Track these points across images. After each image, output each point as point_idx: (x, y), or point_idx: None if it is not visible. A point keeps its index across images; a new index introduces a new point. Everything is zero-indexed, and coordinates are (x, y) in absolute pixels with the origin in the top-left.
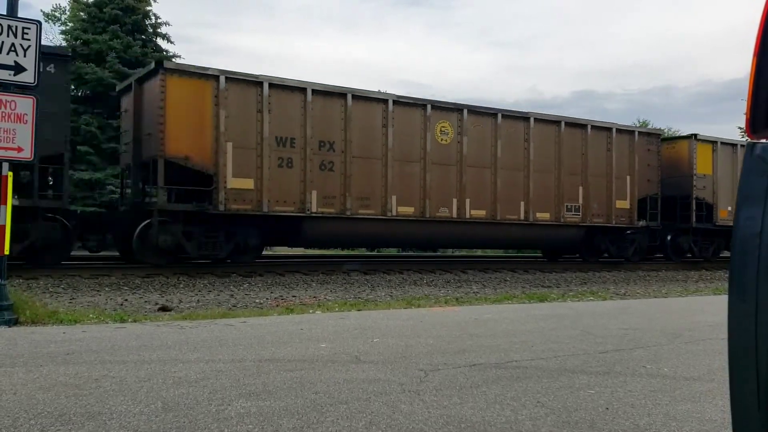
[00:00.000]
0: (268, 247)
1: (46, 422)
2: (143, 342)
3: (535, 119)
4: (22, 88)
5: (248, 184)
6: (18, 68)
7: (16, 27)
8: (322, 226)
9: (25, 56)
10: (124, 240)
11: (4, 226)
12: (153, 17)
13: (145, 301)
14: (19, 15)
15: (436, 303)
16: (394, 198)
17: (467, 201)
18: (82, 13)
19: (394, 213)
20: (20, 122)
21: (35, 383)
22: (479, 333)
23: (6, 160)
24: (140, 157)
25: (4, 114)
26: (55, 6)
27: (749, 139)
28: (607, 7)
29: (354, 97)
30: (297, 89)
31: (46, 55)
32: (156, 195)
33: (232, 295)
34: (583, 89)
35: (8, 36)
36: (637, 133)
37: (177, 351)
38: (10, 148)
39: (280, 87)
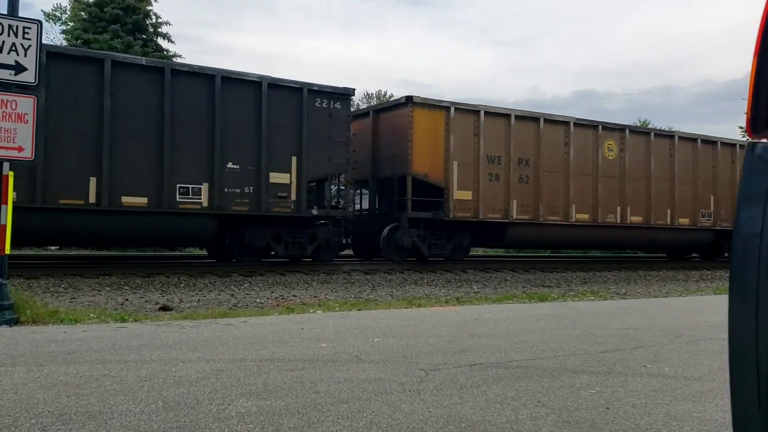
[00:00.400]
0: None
1: (46, 421)
2: (144, 341)
3: (679, 137)
4: (23, 88)
5: (468, 195)
6: (19, 68)
7: (17, 27)
8: (520, 230)
9: (26, 56)
10: (362, 241)
11: (4, 226)
12: (153, 17)
13: (146, 301)
14: (20, 14)
15: (437, 303)
16: (573, 206)
17: (628, 208)
18: (82, 13)
19: (573, 219)
20: (21, 122)
21: (36, 382)
22: (480, 333)
23: (7, 160)
24: (379, 174)
25: (5, 114)
26: (55, 6)
27: (749, 139)
28: (607, 6)
29: (545, 120)
30: (503, 115)
31: (333, 94)
32: (390, 205)
33: (232, 295)
34: (583, 89)
35: (9, 36)
36: None
37: (178, 350)
38: (11, 148)
39: (491, 114)
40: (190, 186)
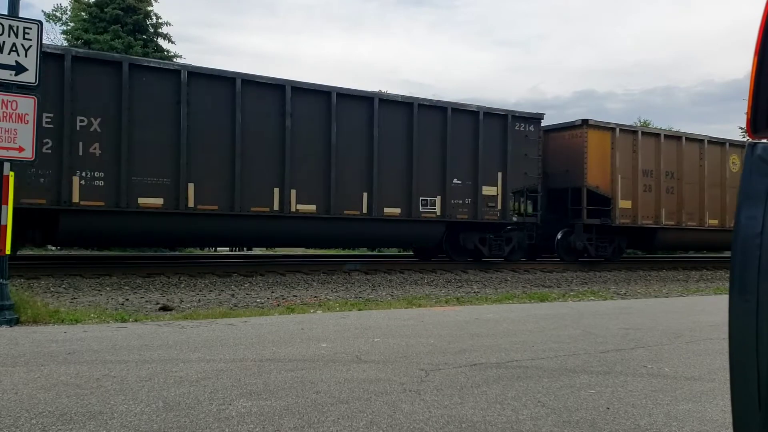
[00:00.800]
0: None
1: (47, 421)
2: (144, 341)
3: None
4: (23, 88)
5: (628, 204)
6: (19, 68)
7: (18, 27)
8: (668, 235)
9: (26, 56)
10: (533, 243)
11: (5, 226)
12: (154, 17)
13: (146, 301)
14: (21, 15)
15: (437, 303)
16: (707, 213)
17: None
18: (83, 13)
19: (707, 224)
20: (21, 122)
21: (36, 383)
22: (480, 333)
23: (7, 160)
24: (549, 185)
25: (5, 114)
26: (56, 6)
27: (750, 139)
28: (608, 6)
29: (686, 139)
30: (654, 135)
31: (528, 119)
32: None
33: (233, 295)
34: (584, 89)
35: (9, 36)
36: None
37: (178, 350)
38: (12, 148)
39: (646, 133)
40: (429, 198)
